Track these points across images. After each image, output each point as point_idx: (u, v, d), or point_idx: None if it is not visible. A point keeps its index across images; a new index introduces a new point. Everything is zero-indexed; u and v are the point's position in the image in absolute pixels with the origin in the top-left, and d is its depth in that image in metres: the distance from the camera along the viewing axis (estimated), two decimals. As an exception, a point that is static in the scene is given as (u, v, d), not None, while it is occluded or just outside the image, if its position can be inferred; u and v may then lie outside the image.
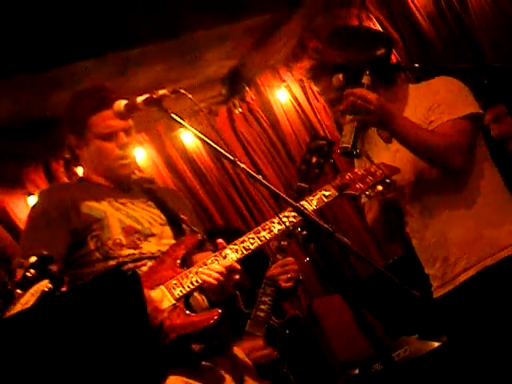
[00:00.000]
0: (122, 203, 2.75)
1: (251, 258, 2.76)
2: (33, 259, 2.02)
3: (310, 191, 3.03)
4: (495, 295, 2.67)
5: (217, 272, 2.49)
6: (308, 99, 5.57)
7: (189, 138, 5.42)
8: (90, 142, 2.76)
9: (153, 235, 2.72)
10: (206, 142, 2.41)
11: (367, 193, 2.70)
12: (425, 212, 2.79)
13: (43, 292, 1.98)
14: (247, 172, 2.36)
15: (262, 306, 3.52)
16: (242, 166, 2.35)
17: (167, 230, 2.78)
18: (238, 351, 2.75)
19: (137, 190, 2.87)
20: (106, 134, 2.73)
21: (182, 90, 2.42)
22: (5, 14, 3.80)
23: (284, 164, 5.63)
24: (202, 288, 2.57)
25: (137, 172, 2.98)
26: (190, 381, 2.49)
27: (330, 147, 3.18)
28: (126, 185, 2.83)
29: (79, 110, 2.77)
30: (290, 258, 3.32)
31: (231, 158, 2.37)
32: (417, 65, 4.10)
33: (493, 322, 2.65)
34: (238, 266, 2.55)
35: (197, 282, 2.51)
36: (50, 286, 2.00)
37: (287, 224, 2.60)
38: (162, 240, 2.73)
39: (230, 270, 2.52)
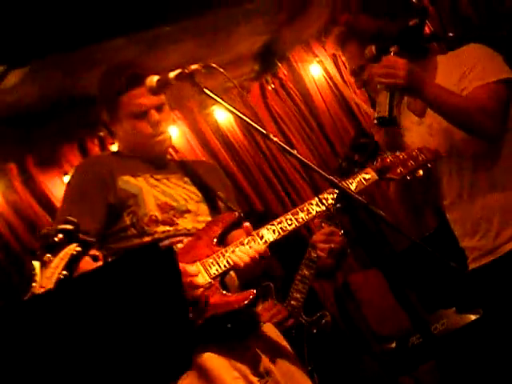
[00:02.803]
0: (157, 179, 2.75)
1: (286, 248, 2.73)
2: (60, 226, 2.04)
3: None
4: None
5: (249, 256, 2.48)
6: (341, 74, 5.52)
7: (222, 115, 5.40)
8: (123, 120, 2.77)
9: (188, 212, 2.71)
10: (237, 115, 2.40)
11: (408, 178, 2.67)
12: (463, 185, 2.76)
13: (72, 255, 1.99)
14: (280, 145, 2.35)
15: (293, 302, 3.47)
16: (275, 139, 2.35)
17: (203, 206, 2.77)
18: (270, 328, 2.75)
19: (172, 165, 2.87)
20: (137, 112, 2.73)
21: (214, 65, 2.42)
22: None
23: (317, 139, 5.58)
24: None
25: (172, 152, 2.97)
26: (226, 359, 2.48)
27: (375, 147, 3.09)
28: (160, 161, 2.83)
29: (109, 89, 2.77)
30: (337, 230, 3.10)
31: (264, 131, 2.36)
32: (451, 34, 4.05)
33: None
34: (269, 253, 2.53)
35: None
36: (78, 249, 2.01)
37: (326, 205, 2.57)
38: (197, 217, 2.72)
39: (262, 255, 2.51)
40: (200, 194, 2.80)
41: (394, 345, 4.27)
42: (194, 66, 2.41)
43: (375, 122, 2.62)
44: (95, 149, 4.85)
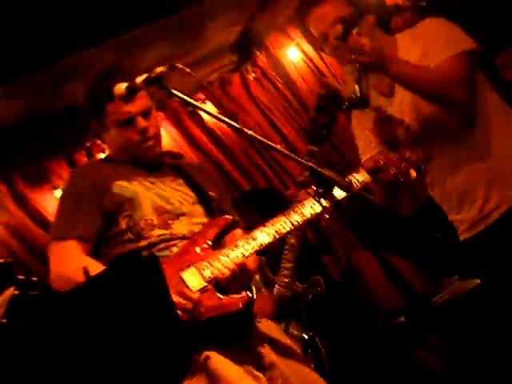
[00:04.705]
0: (151, 182, 2.75)
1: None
2: None
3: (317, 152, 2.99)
4: None
5: (228, 269, 2.47)
6: (319, 54, 5.51)
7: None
8: (110, 128, 2.76)
9: (183, 214, 2.70)
10: (208, 113, 2.39)
11: (401, 179, 2.65)
12: (443, 159, 2.75)
13: (11, 298, 1.92)
14: (255, 138, 2.34)
15: (285, 272, 3.49)
16: (250, 132, 2.33)
17: (198, 208, 2.76)
18: (267, 323, 2.74)
19: (165, 168, 2.86)
20: (123, 120, 2.72)
21: (180, 65, 2.39)
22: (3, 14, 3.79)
23: (304, 122, 5.54)
24: None
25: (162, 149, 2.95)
26: (229, 358, 2.46)
27: (338, 104, 3.10)
28: (153, 165, 2.82)
29: (94, 98, 2.76)
30: None
31: (237, 126, 2.35)
32: (423, 3, 4.01)
33: None
34: (249, 266, 2.53)
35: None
36: (16, 292, 1.93)
37: (321, 206, 2.53)
38: (192, 219, 2.71)
39: (242, 267, 2.50)
40: (194, 196, 2.79)
41: (403, 318, 4.26)
42: (159, 69, 2.38)
43: (346, 104, 2.60)
44: (83, 160, 4.84)
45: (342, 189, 2.29)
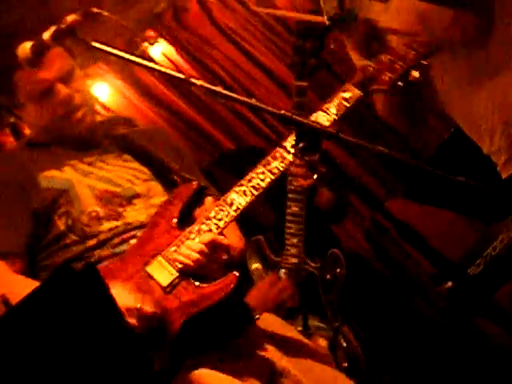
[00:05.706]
0: (89, 163, 2.77)
1: (270, 190, 2.73)
2: None
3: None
4: None
5: (196, 251, 2.49)
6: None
7: (158, 51, 5.34)
8: (26, 104, 2.79)
9: (137, 196, 2.74)
10: (142, 65, 2.37)
11: (400, 83, 2.64)
12: (457, 75, 2.74)
13: None
14: (206, 88, 2.33)
15: (292, 250, 3.48)
16: (199, 83, 2.32)
17: (154, 185, 2.80)
18: (270, 318, 2.79)
19: (105, 142, 2.87)
20: (38, 91, 2.73)
21: (95, 9, 2.39)
22: None
23: (286, 43, 5.41)
24: None
25: (99, 117, 2.95)
26: (224, 372, 2.48)
27: (327, 26, 3.07)
28: (88, 140, 2.83)
29: None
30: None
31: (182, 76, 2.35)
32: None
33: None
34: (224, 241, 2.54)
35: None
36: None
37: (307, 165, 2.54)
38: (150, 200, 2.75)
39: (214, 245, 2.51)
40: (148, 171, 2.82)
41: (450, 284, 4.29)
42: (71, 18, 2.37)
43: (327, 24, 2.59)
44: (9, 140, 4.82)
45: (325, 137, 2.28)
